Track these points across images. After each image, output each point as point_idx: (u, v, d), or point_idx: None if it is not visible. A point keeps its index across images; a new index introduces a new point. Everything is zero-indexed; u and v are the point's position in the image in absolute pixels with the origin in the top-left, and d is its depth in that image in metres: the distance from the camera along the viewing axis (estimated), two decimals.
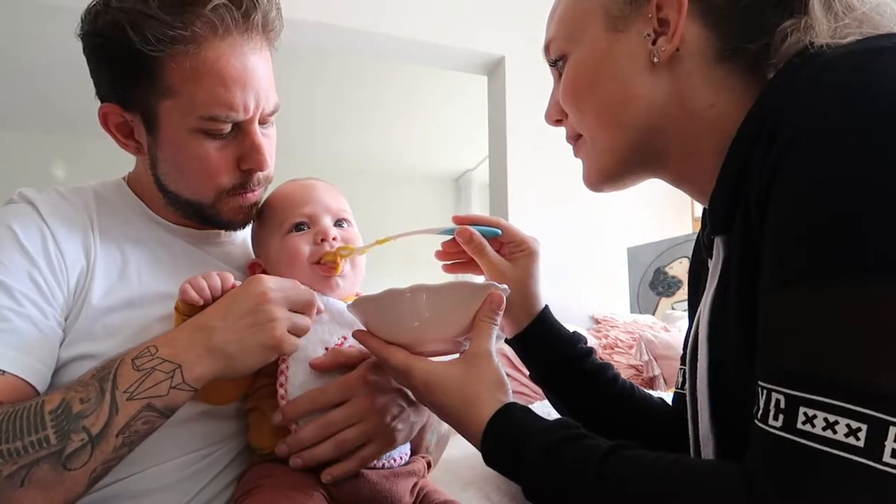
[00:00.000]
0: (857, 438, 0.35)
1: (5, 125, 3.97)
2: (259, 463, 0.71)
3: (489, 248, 0.72)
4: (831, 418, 0.36)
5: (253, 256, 0.86)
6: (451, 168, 5.05)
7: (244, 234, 0.85)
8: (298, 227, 0.76)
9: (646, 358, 1.69)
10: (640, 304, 2.57)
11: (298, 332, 0.66)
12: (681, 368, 0.71)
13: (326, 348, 0.72)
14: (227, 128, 0.70)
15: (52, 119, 3.81)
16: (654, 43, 0.55)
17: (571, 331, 0.78)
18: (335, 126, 4.22)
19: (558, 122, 0.65)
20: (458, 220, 0.73)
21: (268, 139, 0.75)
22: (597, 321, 1.93)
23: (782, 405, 0.39)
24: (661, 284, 2.52)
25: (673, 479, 0.44)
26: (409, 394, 0.71)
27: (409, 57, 2.69)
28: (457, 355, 0.64)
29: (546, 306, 0.77)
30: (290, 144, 4.68)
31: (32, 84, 3.39)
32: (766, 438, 0.40)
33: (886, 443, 0.35)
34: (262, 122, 0.74)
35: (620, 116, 0.57)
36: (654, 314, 2.37)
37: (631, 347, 1.75)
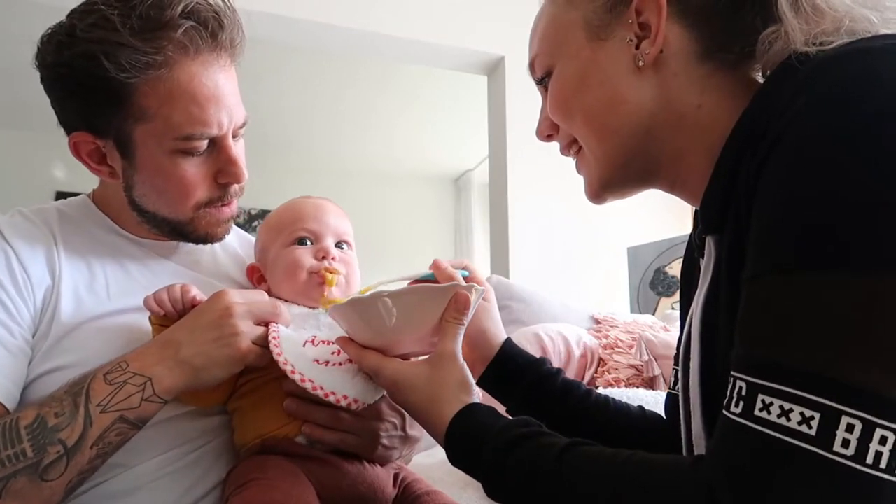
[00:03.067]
0: (810, 427, 0.36)
1: (5, 125, 3.98)
2: (247, 458, 0.72)
3: (460, 277, 0.74)
4: (786, 406, 0.37)
5: (221, 259, 0.88)
6: (451, 168, 5.05)
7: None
8: (301, 240, 0.79)
9: (646, 358, 1.69)
10: (640, 304, 2.57)
11: (263, 342, 0.68)
12: (674, 368, 0.72)
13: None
14: (204, 145, 0.72)
15: (52, 119, 3.80)
16: (637, 47, 0.55)
17: (538, 357, 0.78)
18: (335, 126, 4.22)
19: (549, 138, 0.66)
20: (435, 267, 0.75)
21: (240, 151, 0.77)
22: (597, 321, 1.92)
23: (743, 392, 0.40)
24: (661, 284, 2.52)
25: (628, 471, 0.45)
26: (407, 423, 0.77)
27: (409, 57, 2.69)
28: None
29: (508, 338, 0.78)
30: (290, 145, 4.70)
31: (32, 84, 3.38)
32: (725, 424, 0.41)
33: (838, 432, 0.35)
34: (234, 136, 0.76)
35: (610, 121, 0.57)
36: (654, 314, 2.37)
37: (631, 347, 1.75)
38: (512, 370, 0.76)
